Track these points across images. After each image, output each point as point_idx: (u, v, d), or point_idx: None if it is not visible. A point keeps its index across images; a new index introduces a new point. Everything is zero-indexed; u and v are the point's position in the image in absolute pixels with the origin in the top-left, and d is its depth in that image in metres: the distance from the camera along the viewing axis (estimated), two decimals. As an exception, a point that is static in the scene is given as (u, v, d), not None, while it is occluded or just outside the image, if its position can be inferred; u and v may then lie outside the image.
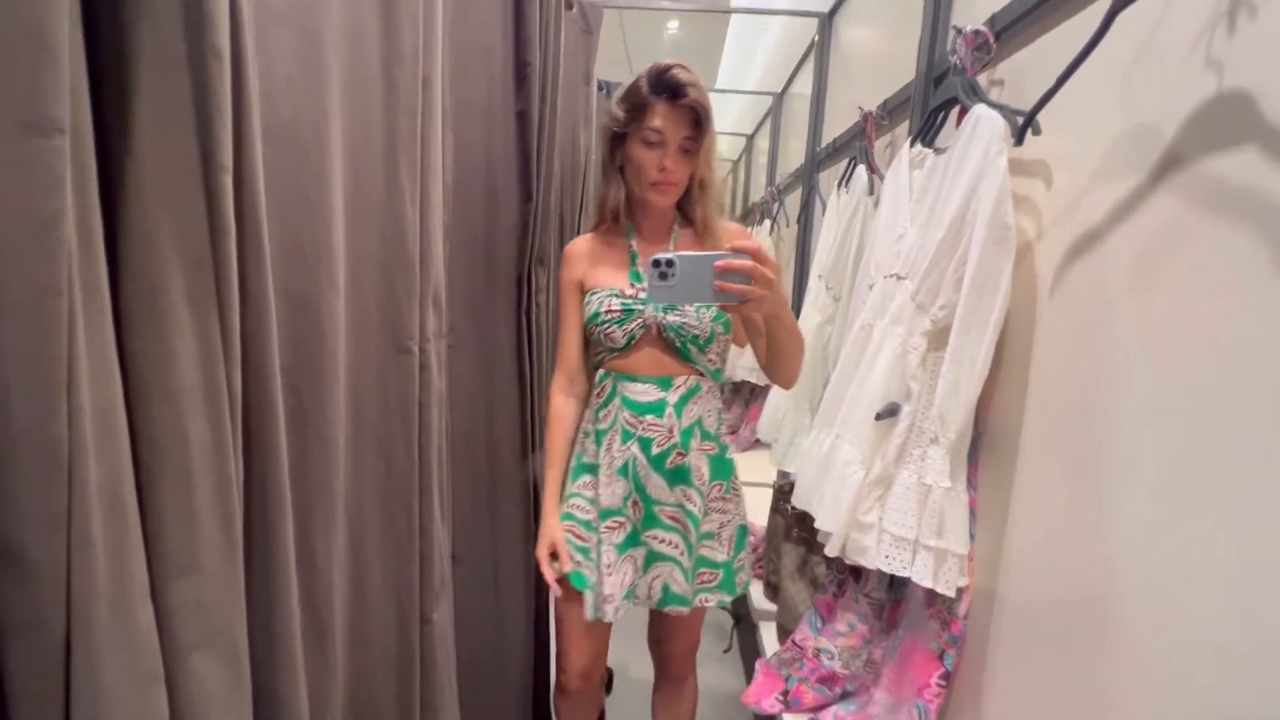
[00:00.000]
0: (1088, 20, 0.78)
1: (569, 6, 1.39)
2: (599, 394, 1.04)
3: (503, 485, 1.29)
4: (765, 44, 3.53)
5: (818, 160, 2.04)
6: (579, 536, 1.04)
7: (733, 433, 2.80)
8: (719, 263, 0.75)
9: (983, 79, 1.01)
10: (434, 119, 0.84)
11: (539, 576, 1.28)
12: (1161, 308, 0.64)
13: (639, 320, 0.99)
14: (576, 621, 1.05)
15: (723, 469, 1.07)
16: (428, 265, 0.87)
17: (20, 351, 0.33)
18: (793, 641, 1.18)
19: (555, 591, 1.04)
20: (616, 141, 0.98)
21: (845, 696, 1.10)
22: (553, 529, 1.04)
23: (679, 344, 1.00)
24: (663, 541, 1.03)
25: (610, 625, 1.07)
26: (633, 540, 1.03)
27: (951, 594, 0.92)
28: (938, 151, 1.02)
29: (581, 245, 1.06)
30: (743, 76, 4.12)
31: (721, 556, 1.06)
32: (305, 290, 0.64)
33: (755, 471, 2.39)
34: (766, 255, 0.78)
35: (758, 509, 1.99)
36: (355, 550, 0.79)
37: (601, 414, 1.03)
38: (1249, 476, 0.53)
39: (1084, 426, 0.75)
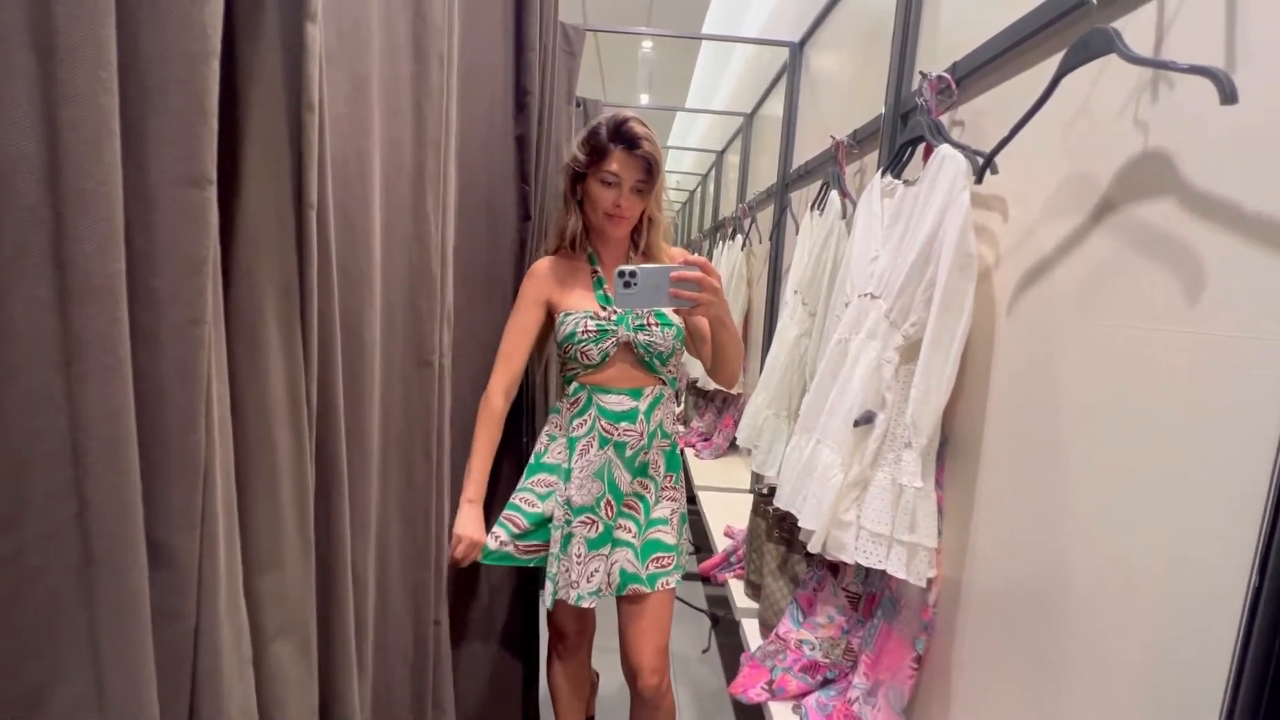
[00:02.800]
0: (1037, 74, 0.90)
1: (556, 31, 1.46)
2: (574, 404, 1.16)
3: (500, 495, 1.34)
4: (736, 65, 3.68)
5: (789, 181, 2.15)
6: (515, 524, 1.16)
7: (706, 440, 2.90)
8: (674, 273, 0.90)
9: (945, 119, 1.12)
10: (451, 148, 0.90)
11: (529, 580, 1.35)
12: (1101, 329, 0.75)
13: (612, 339, 1.12)
14: None
15: (674, 461, 1.23)
16: (444, 284, 0.93)
17: (174, 373, 0.38)
18: (776, 634, 1.26)
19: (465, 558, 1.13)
20: (577, 178, 1.13)
21: (826, 683, 1.18)
22: (469, 521, 1.13)
23: (647, 359, 1.14)
24: (623, 529, 1.17)
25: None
26: (605, 538, 1.14)
27: (922, 584, 1.02)
28: (907, 183, 1.13)
29: (546, 265, 1.16)
30: (712, 95, 4.26)
31: (671, 540, 1.19)
32: (350, 310, 0.69)
33: (729, 477, 2.49)
34: (712, 268, 0.94)
35: (731, 512, 2.08)
36: (381, 555, 0.83)
37: (576, 422, 1.14)
38: (1177, 477, 0.64)
39: (1037, 432, 0.85)
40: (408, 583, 0.92)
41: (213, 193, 0.39)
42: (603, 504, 1.13)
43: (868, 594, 1.19)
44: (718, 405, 2.96)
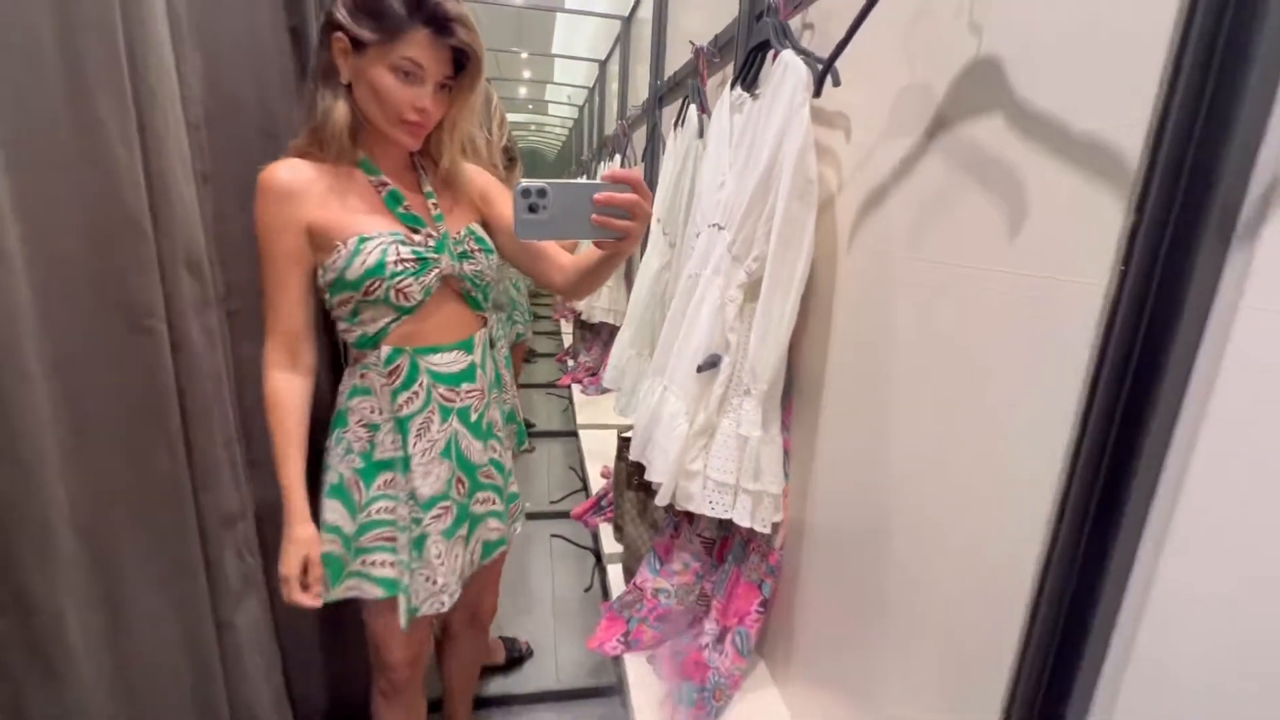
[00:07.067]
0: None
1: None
2: (393, 375, 0.86)
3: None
4: (614, -40, 3.31)
5: (660, 95, 1.98)
6: (390, 539, 0.89)
7: (593, 375, 2.81)
8: (599, 194, 0.65)
9: (796, 22, 0.99)
10: (150, 33, 0.67)
11: None
12: (928, 264, 0.68)
13: (435, 271, 0.84)
14: (393, 617, 0.90)
15: (508, 414, 1.09)
16: (167, 222, 0.72)
17: None
18: (634, 584, 1.22)
19: (307, 602, 0.84)
20: (350, 50, 0.77)
21: (680, 630, 1.17)
22: (306, 541, 0.83)
23: (475, 294, 0.91)
24: (482, 502, 0.99)
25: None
26: (459, 519, 0.94)
27: (767, 530, 0.98)
28: (755, 96, 1.01)
29: (295, 175, 0.79)
30: (595, -5, 3.87)
31: (515, 486, 1.08)
32: (-54, 269, 0.49)
33: (612, 414, 2.43)
34: (645, 187, 0.68)
35: (612, 450, 2.02)
36: (105, 576, 0.67)
37: (403, 398, 0.86)
38: (996, 412, 0.59)
39: (871, 370, 0.80)
40: (166, 596, 0.77)
41: None
42: (454, 484, 0.92)
43: (721, 538, 1.16)
44: (604, 338, 2.86)
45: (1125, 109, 0.44)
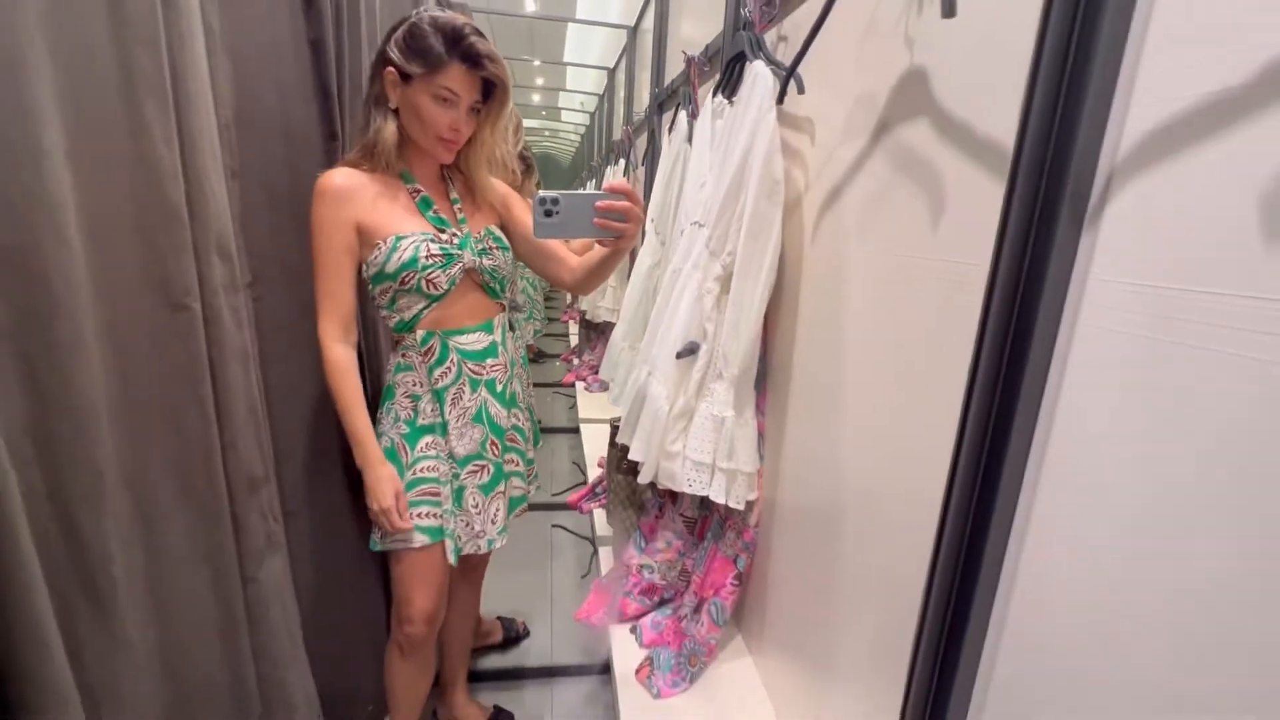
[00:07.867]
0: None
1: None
2: (427, 354, 1.02)
3: (345, 437, 1.28)
4: (623, -27, 3.42)
5: (660, 101, 2.06)
6: (433, 494, 1.03)
7: (595, 372, 2.89)
8: (600, 202, 0.82)
9: (772, 34, 1.07)
10: (189, 45, 0.77)
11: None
12: (872, 255, 0.75)
13: (459, 264, 1.00)
14: (423, 567, 1.05)
15: (528, 408, 1.22)
16: (201, 212, 0.82)
17: None
18: (621, 561, 1.30)
19: (406, 526, 1.00)
20: (396, 80, 0.93)
21: (663, 603, 1.24)
22: (392, 477, 0.99)
23: (493, 284, 1.06)
24: (509, 463, 1.13)
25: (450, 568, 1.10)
26: (497, 478, 1.09)
27: (741, 508, 1.06)
28: (733, 103, 1.09)
29: (350, 181, 0.95)
30: (607, 7, 3.98)
31: (533, 453, 1.22)
32: (21, 245, 0.58)
33: (612, 409, 2.50)
34: (638, 196, 0.85)
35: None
36: (145, 520, 0.76)
37: (438, 373, 1.03)
38: (927, 395, 0.67)
39: (828, 357, 0.88)
40: (197, 546, 0.86)
41: None
42: (488, 445, 1.07)
43: (702, 517, 1.23)
44: (608, 337, 2.94)
45: (1008, 117, 0.52)
